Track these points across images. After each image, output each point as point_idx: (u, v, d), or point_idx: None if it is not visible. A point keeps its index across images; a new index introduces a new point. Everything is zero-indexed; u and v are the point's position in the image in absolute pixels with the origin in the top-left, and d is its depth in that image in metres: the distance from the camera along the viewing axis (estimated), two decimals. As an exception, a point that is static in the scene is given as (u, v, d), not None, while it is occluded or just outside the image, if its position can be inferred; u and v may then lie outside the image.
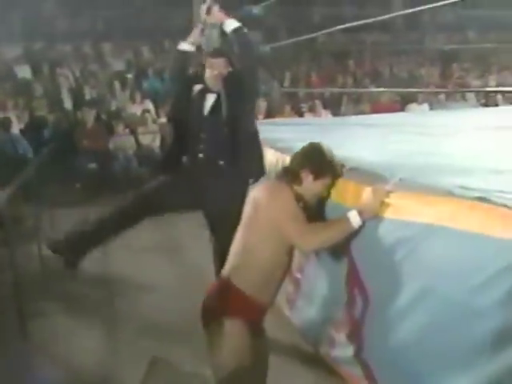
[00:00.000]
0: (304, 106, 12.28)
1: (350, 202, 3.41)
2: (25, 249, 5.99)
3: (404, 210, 3.05)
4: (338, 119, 9.65)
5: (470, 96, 12.77)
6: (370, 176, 3.48)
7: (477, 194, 2.71)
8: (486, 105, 12.00)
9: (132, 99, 12.49)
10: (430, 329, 2.85)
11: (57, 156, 9.51)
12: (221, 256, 4.21)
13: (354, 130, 6.25)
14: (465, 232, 2.64)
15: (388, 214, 3.14)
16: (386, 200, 3.12)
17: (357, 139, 5.29)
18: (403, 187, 3.15)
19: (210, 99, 4.51)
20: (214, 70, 4.46)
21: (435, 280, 2.81)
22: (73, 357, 4.48)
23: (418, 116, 8.76)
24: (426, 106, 12.40)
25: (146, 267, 6.43)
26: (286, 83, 13.82)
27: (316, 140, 3.45)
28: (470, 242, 2.61)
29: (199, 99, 4.53)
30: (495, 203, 2.59)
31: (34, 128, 11.18)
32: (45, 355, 4.51)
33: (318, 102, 12.14)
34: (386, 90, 12.46)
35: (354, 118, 8.65)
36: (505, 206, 2.54)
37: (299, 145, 3.53)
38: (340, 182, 3.51)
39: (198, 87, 4.55)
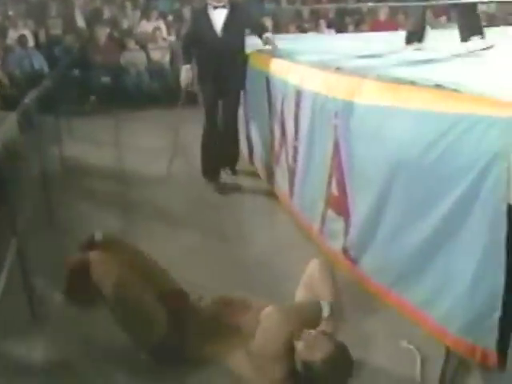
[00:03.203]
0: (308, 25, 12.63)
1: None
2: (48, 151, 6.40)
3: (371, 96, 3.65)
4: (328, 36, 10.51)
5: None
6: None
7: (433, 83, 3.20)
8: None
9: (143, 18, 12.88)
10: (402, 191, 3.34)
11: (72, 70, 10.02)
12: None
13: (329, 41, 7.34)
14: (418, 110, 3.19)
15: (362, 100, 3.74)
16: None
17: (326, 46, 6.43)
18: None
19: (220, 14, 5.79)
20: None
21: (399, 153, 3.31)
22: None
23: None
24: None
25: (158, 165, 6.91)
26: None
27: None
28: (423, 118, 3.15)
29: (205, 16, 5.81)
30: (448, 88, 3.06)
31: (49, 45, 11.69)
32: (69, 237, 5.00)
33: (322, 21, 12.48)
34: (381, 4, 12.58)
35: (343, 35, 9.64)
36: (456, 90, 3.01)
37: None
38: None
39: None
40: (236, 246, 4.72)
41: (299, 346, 2.78)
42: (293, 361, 2.79)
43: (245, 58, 6.17)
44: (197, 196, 5.88)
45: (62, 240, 4.83)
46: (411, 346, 3.21)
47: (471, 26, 4.79)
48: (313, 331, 2.83)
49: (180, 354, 3.11)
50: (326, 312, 2.90)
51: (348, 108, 3.86)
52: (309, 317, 2.96)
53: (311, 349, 2.74)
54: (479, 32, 4.75)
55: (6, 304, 3.13)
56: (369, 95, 3.69)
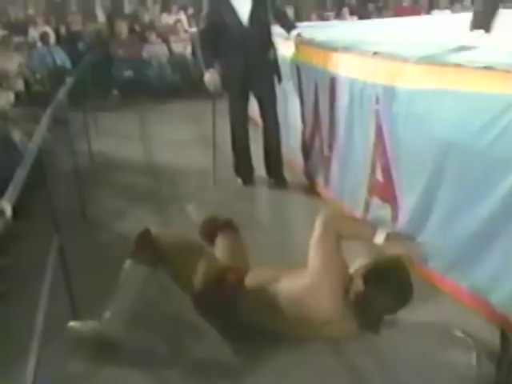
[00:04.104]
0: (330, 14, 12.55)
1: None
2: (76, 147, 6.36)
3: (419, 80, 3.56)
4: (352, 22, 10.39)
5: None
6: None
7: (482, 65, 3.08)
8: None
9: (164, 11, 12.87)
10: (455, 175, 3.26)
11: (94, 66, 10.01)
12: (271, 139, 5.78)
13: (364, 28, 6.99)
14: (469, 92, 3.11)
15: (405, 84, 3.67)
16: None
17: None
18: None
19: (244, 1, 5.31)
20: None
21: (451, 136, 3.24)
22: (126, 230, 4.77)
23: (426, 19, 9.07)
24: (447, 11, 12.59)
25: (186, 157, 6.97)
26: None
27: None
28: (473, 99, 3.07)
29: (226, 4, 5.32)
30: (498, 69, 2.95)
31: (70, 41, 11.75)
32: (103, 230, 5.01)
33: (345, 10, 12.42)
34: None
35: (366, 21, 9.62)
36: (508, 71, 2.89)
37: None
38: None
39: None
40: (274, 235, 4.66)
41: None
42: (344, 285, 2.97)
43: (275, 50, 5.66)
44: (230, 189, 5.78)
45: (97, 234, 4.92)
46: (465, 336, 3.13)
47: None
48: None
49: (232, 318, 3.21)
50: (378, 239, 3.01)
51: (390, 93, 3.80)
52: (360, 232, 3.17)
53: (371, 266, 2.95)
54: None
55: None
56: (412, 79, 3.62)
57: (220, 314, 3.24)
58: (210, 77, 5.47)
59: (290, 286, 3.07)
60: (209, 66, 5.50)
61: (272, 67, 5.60)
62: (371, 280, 2.88)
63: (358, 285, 2.90)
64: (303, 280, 3.04)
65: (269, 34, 5.59)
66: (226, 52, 5.43)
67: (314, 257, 3.04)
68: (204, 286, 3.20)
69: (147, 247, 3.29)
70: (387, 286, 2.85)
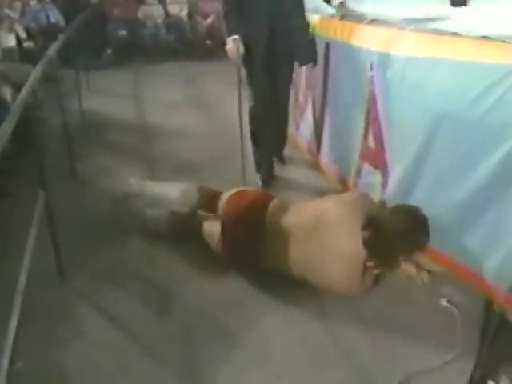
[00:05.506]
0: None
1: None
2: (67, 104, 6.28)
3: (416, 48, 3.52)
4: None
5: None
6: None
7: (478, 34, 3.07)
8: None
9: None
10: (447, 143, 3.26)
11: (88, 24, 9.90)
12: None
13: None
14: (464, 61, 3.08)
15: (400, 52, 3.63)
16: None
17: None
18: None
19: None
20: None
21: (445, 105, 3.22)
22: (114, 188, 4.74)
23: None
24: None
25: (178, 118, 6.94)
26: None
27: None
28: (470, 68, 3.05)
29: None
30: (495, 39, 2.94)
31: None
32: (91, 187, 4.99)
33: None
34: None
35: None
36: (503, 41, 2.88)
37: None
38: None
39: None
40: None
41: None
42: None
43: (303, 25, 4.86)
44: (218, 149, 5.72)
45: (85, 192, 4.91)
46: (451, 305, 3.14)
47: None
48: None
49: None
50: None
51: (385, 60, 3.76)
52: None
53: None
54: None
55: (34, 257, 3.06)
56: (408, 46, 3.59)
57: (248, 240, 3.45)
58: (233, 45, 4.63)
59: (315, 202, 3.53)
60: (232, 32, 4.69)
61: (296, 41, 4.81)
62: (396, 212, 3.19)
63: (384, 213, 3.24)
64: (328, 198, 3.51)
65: (299, 6, 4.82)
66: (248, 20, 4.73)
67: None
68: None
69: (213, 198, 3.87)
70: (409, 221, 3.11)
